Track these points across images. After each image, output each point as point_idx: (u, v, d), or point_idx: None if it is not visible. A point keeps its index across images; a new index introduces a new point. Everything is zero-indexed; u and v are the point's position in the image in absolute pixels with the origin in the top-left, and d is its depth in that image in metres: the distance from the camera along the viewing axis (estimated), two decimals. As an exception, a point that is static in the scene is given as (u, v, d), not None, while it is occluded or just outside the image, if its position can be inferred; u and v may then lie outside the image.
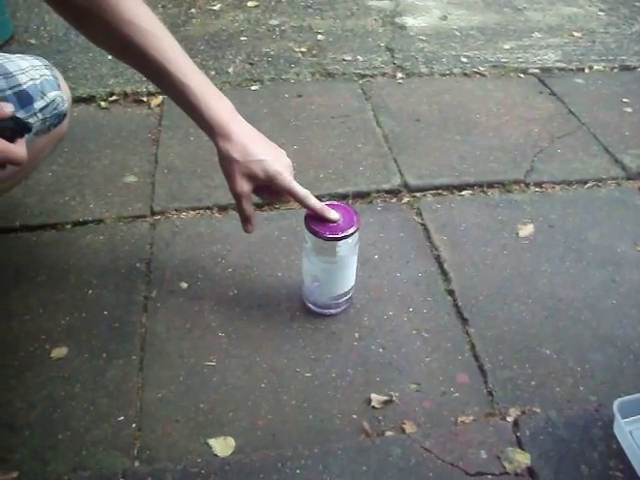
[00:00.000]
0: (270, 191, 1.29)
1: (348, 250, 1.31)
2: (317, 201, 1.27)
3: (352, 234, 1.27)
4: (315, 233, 1.27)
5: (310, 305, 1.41)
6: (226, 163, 1.23)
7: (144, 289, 1.45)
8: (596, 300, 1.47)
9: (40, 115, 1.31)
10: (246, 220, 1.29)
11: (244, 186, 1.23)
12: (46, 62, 1.41)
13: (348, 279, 1.37)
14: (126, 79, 2.23)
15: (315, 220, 1.28)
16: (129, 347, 1.32)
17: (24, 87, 1.29)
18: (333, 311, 1.40)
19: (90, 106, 2.11)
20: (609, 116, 2.13)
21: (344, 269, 1.35)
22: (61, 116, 1.40)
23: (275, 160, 1.25)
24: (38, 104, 1.31)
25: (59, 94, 1.37)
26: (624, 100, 2.22)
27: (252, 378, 1.27)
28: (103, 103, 2.11)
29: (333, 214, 1.26)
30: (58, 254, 1.53)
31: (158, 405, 1.22)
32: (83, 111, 2.09)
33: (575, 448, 1.15)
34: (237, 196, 1.25)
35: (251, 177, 1.23)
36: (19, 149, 1.04)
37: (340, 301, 1.39)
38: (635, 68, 2.44)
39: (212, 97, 1.22)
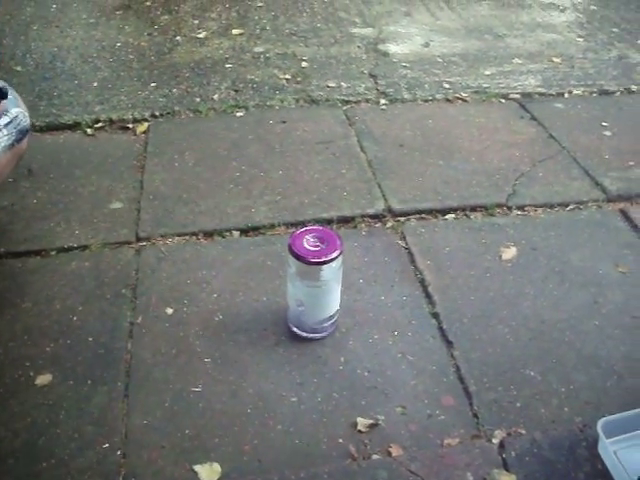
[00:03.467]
0: None
1: (332, 274, 1.32)
2: None
3: (335, 258, 1.29)
4: (298, 258, 1.28)
5: (295, 329, 1.41)
6: None
7: (130, 315, 1.45)
8: (579, 321, 1.48)
9: (5, 131, 1.34)
10: None
11: None
12: (1, 82, 1.43)
13: (333, 303, 1.38)
14: (112, 106, 2.24)
15: (299, 245, 1.29)
16: (114, 373, 1.32)
17: None
18: (318, 335, 1.40)
19: (76, 133, 2.12)
20: (589, 140, 2.17)
21: (328, 293, 1.35)
22: (24, 132, 1.42)
23: None
24: (2, 120, 1.34)
25: (20, 110, 1.40)
26: (603, 124, 2.26)
27: (238, 403, 1.27)
28: (89, 130, 2.12)
29: None
30: (43, 280, 1.53)
31: (144, 431, 1.22)
32: (69, 138, 2.10)
33: (560, 469, 1.15)
34: None
35: None
36: None
37: (325, 325, 1.39)
38: (613, 92, 2.48)
39: None
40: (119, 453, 1.18)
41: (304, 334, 1.40)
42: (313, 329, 1.39)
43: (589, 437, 1.20)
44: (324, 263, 1.27)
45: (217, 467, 1.16)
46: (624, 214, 1.82)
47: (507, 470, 1.15)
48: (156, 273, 1.56)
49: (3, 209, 1.72)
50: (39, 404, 1.25)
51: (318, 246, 1.29)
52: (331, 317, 1.39)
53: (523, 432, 1.23)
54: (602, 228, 1.77)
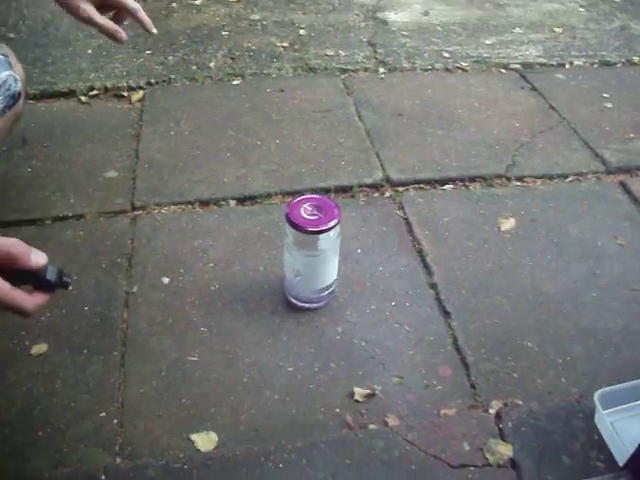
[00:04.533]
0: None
1: (329, 243, 1.31)
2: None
3: (333, 227, 1.27)
4: (296, 227, 1.26)
5: (292, 299, 1.40)
6: None
7: (125, 284, 1.44)
8: (577, 293, 1.48)
9: None
10: (113, 33, 1.30)
11: (87, 8, 1.22)
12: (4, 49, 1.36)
13: (330, 273, 1.37)
14: (107, 73, 2.21)
15: (296, 214, 1.27)
16: (110, 343, 1.31)
17: None
18: (315, 305, 1.40)
19: (70, 101, 2.09)
20: (589, 111, 2.15)
21: (326, 263, 1.34)
22: (16, 96, 1.34)
23: None
24: None
25: (11, 74, 1.32)
26: (604, 95, 2.23)
27: (234, 373, 1.27)
28: (83, 98, 2.09)
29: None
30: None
31: (140, 401, 1.21)
32: (63, 106, 2.07)
33: (557, 439, 1.15)
34: (87, 20, 1.23)
35: None
36: (26, 302, 0.87)
37: (322, 295, 1.39)
38: (615, 64, 2.45)
39: None
40: (115, 422, 1.17)
41: (301, 304, 1.40)
42: (310, 299, 1.39)
43: (585, 408, 1.20)
44: (322, 232, 1.26)
45: (213, 436, 1.16)
46: (624, 186, 1.81)
47: (503, 440, 1.15)
48: (152, 242, 1.55)
49: (-3, 177, 1.70)
50: (35, 373, 1.25)
51: (316, 215, 1.28)
52: (328, 287, 1.38)
53: (520, 403, 1.23)
54: (601, 200, 1.76)
